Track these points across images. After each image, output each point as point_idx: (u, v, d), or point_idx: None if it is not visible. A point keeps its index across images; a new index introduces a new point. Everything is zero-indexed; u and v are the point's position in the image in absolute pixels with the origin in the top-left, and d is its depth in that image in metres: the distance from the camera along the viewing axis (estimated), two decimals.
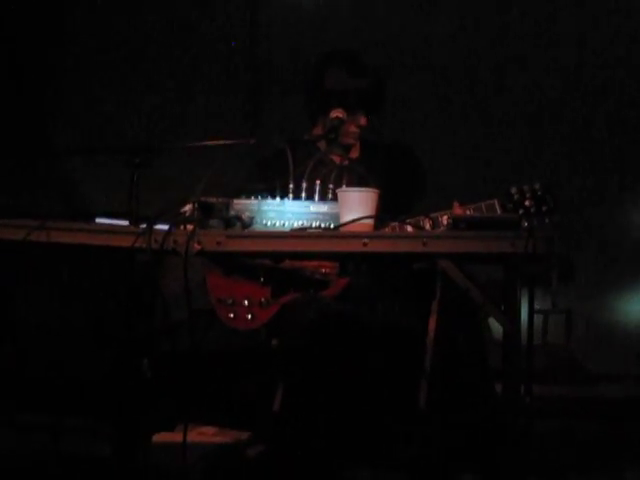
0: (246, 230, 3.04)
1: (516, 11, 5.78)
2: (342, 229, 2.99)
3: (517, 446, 2.95)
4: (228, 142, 3.39)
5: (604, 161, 5.73)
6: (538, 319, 5.51)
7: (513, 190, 3.37)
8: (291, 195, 3.19)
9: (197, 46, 5.99)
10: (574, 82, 5.74)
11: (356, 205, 3.00)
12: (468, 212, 3.36)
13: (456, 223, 2.92)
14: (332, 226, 3.05)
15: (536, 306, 3.37)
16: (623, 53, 5.69)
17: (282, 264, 3.46)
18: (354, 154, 3.78)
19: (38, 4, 5.92)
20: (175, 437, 3.67)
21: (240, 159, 3.61)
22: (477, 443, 3.32)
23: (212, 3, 6.01)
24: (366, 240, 2.87)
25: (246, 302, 3.49)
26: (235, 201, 3.10)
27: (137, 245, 2.93)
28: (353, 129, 3.68)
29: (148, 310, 3.47)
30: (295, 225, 3.07)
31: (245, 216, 3.07)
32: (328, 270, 3.50)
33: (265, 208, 3.09)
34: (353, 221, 2.98)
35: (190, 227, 2.98)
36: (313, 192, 3.22)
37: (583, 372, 5.48)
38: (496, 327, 2.95)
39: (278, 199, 3.13)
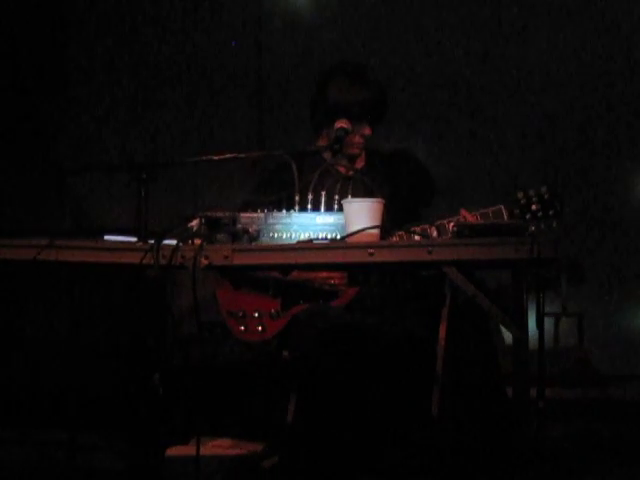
0: (253, 243, 3.05)
1: (517, 21, 5.80)
2: (348, 240, 3.00)
3: (531, 450, 2.96)
4: (234, 156, 3.40)
5: (615, 163, 5.73)
6: (550, 323, 5.51)
7: (520, 195, 3.38)
8: (297, 207, 3.20)
9: (202, 62, 6.02)
10: (577, 86, 5.74)
11: (361, 215, 3.01)
12: (475, 218, 3.37)
13: (460, 231, 2.93)
14: (338, 237, 3.06)
15: (547, 310, 3.37)
16: (621, 60, 5.71)
17: (291, 275, 3.48)
18: (359, 164, 3.79)
19: (43, 21, 5.95)
20: (189, 450, 3.68)
21: (246, 173, 3.64)
22: (490, 449, 3.32)
23: (217, 19, 6.04)
24: (372, 250, 2.89)
25: (256, 314, 3.50)
26: (242, 215, 3.11)
27: (145, 261, 2.95)
28: (358, 139, 3.69)
29: (159, 325, 3.49)
30: (302, 237, 3.08)
31: (252, 229, 3.08)
32: (337, 280, 3.51)
33: (272, 221, 3.10)
34: (359, 231, 2.99)
35: (198, 242, 3.00)
36: (319, 203, 3.23)
37: (596, 374, 5.47)
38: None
39: (284, 211, 3.14)
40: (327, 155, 3.71)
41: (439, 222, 3.35)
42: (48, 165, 5.73)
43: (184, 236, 3.01)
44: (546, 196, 3.36)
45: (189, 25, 6.06)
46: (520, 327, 2.87)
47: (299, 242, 3.05)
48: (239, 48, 6.03)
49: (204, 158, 3.43)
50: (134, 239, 3.13)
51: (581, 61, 5.75)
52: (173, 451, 3.84)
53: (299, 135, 4.03)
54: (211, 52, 6.02)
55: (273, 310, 3.50)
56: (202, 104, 5.96)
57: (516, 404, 2.93)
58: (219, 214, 3.08)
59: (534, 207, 3.35)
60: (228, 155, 3.40)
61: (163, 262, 2.94)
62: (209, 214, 3.07)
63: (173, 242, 2.99)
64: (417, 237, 3.24)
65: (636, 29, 5.71)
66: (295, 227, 3.10)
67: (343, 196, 3.35)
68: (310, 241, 3.05)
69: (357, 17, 5.95)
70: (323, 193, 3.27)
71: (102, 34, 6.07)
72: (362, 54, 5.64)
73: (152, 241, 3.00)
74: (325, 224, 3.09)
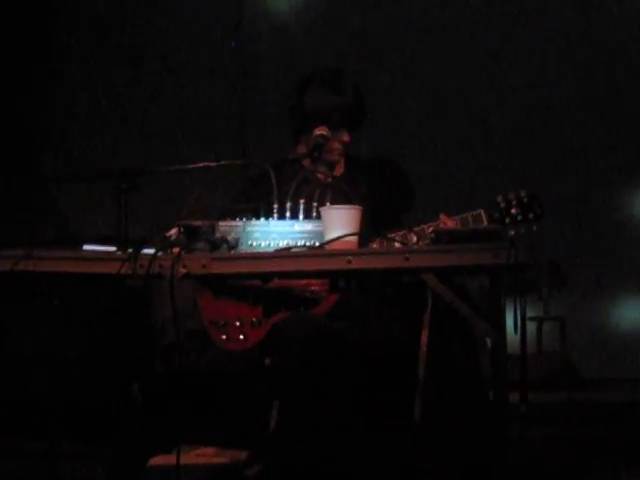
0: (232, 252, 3.05)
1: (501, 24, 5.83)
2: (326, 247, 3.00)
3: (513, 454, 2.96)
4: (213, 164, 3.40)
5: (595, 167, 5.75)
6: (532, 326, 5.52)
7: (499, 199, 3.38)
8: (276, 215, 3.20)
9: (183, 69, 6.02)
10: (558, 91, 5.77)
11: (339, 222, 3.01)
12: (455, 223, 3.37)
13: (438, 237, 2.93)
14: (317, 244, 3.06)
15: (530, 314, 3.38)
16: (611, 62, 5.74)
17: (271, 283, 3.48)
18: (339, 171, 3.79)
19: (28, 28, 5.94)
20: (172, 459, 3.67)
21: (225, 181, 3.63)
22: (473, 454, 3.33)
23: (198, 25, 6.05)
24: (350, 257, 2.89)
25: (238, 323, 3.50)
26: (220, 223, 3.10)
27: (123, 271, 2.94)
28: (337, 146, 3.69)
29: (140, 334, 3.48)
30: (280, 245, 3.07)
31: (231, 238, 3.07)
32: (317, 287, 3.51)
33: (250, 229, 3.10)
34: (337, 239, 2.99)
35: (176, 251, 2.99)
36: (297, 211, 3.22)
37: (578, 378, 5.49)
38: None
39: (263, 219, 3.14)
40: (306, 162, 3.71)
41: (418, 227, 3.35)
42: (30, 174, 5.71)
43: (162, 245, 3.01)
44: (525, 199, 3.36)
45: (171, 31, 6.06)
46: (498, 332, 2.87)
47: (278, 250, 3.05)
48: (236, 47, 6.03)
49: (184, 167, 3.42)
50: (113, 249, 3.12)
51: (567, 64, 5.78)
52: (156, 460, 3.83)
53: (281, 142, 4.02)
54: (192, 58, 6.02)
55: (254, 318, 3.50)
56: (183, 111, 5.96)
57: (496, 407, 2.94)
58: (198, 222, 3.07)
59: (514, 211, 3.36)
60: (209, 163, 3.39)
61: (141, 272, 2.93)
62: (187, 222, 3.07)
63: (152, 251, 2.99)
64: (397, 244, 3.24)
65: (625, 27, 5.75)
66: (274, 235, 3.09)
67: (322, 203, 3.34)
68: (289, 249, 3.05)
69: (339, 21, 5.97)
70: (302, 201, 3.27)
71: (87, 44, 6.08)
72: (343, 58, 5.65)
73: (131, 250, 2.99)
74: (303, 232, 3.09)
